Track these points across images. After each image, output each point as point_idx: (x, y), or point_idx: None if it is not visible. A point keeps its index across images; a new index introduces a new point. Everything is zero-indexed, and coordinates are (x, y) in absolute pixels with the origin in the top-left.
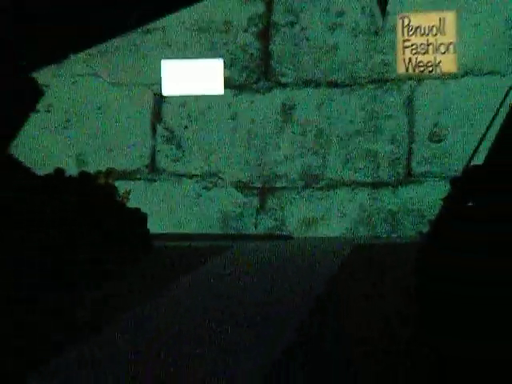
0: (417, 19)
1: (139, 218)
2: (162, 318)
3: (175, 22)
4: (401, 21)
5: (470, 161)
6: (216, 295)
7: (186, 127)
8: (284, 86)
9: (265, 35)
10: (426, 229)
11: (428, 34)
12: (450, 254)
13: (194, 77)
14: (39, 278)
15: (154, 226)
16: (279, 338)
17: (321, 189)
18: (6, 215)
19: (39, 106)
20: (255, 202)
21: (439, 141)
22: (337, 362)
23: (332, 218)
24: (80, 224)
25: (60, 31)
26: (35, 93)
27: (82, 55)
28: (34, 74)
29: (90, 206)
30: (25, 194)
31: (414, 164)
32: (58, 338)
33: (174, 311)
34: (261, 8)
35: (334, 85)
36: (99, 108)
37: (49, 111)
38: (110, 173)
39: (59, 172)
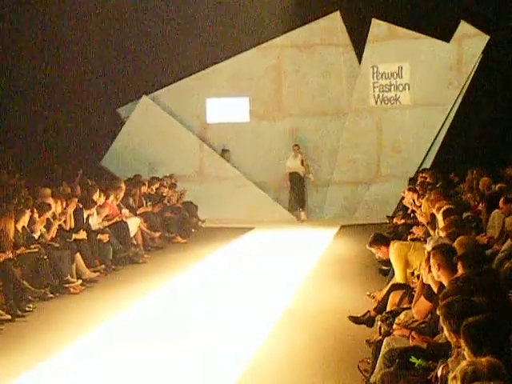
0: (383, 67)
1: (192, 207)
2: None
3: (215, 71)
4: (371, 69)
5: (420, 165)
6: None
7: (223, 148)
8: (291, 115)
9: (277, 80)
10: (390, 213)
11: (390, 78)
12: None
13: (228, 109)
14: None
15: (202, 213)
16: None
17: (317, 186)
18: None
19: (121, 132)
20: (272, 196)
21: (399, 151)
22: None
23: (325, 206)
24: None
25: (136, 79)
26: (119, 123)
27: (151, 96)
28: (118, 110)
29: (161, 197)
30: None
31: (381, 168)
32: None
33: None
34: (274, 61)
35: (325, 114)
36: (163, 132)
37: (129, 135)
38: (171, 176)
39: (137, 176)
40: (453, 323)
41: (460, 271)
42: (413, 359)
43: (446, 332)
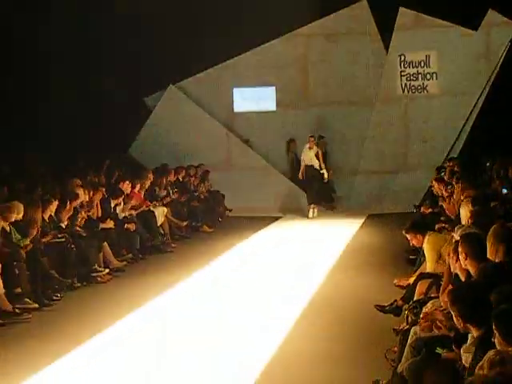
0: (410, 56)
1: (219, 196)
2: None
3: (242, 61)
4: (398, 57)
5: (448, 154)
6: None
7: (248, 139)
8: (318, 104)
9: (304, 69)
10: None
11: (418, 67)
12: None
13: (255, 99)
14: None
15: (228, 203)
16: None
17: (345, 175)
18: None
19: (148, 121)
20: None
21: (426, 140)
22: None
23: (352, 195)
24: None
25: (162, 69)
26: (146, 112)
27: (177, 85)
28: (145, 99)
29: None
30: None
31: (408, 157)
32: None
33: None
34: (301, 50)
35: (352, 103)
36: (190, 121)
37: (155, 125)
38: (199, 166)
39: (164, 166)
40: (461, 308)
41: (499, 257)
42: (438, 350)
43: (454, 318)
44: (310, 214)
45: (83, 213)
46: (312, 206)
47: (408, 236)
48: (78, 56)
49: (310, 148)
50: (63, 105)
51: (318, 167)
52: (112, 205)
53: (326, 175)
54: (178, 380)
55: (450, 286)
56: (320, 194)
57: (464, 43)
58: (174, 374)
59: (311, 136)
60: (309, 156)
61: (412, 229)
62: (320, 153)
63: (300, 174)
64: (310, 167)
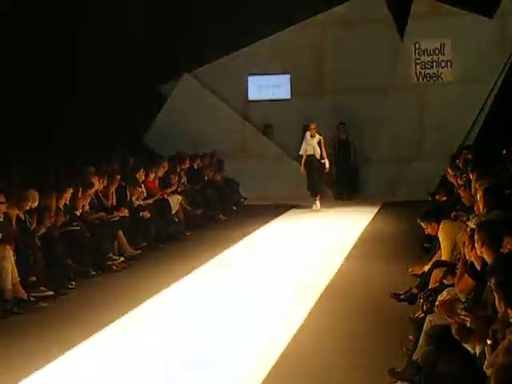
0: (425, 44)
1: (234, 184)
2: None
3: (257, 49)
4: (413, 45)
5: (463, 142)
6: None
7: (266, 124)
8: (333, 92)
9: (319, 57)
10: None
11: (433, 54)
12: None
13: (269, 87)
14: None
15: (243, 191)
16: None
17: (360, 163)
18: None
19: (163, 109)
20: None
21: (441, 129)
22: None
23: (367, 183)
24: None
25: (177, 57)
26: (160, 100)
27: (192, 73)
28: (160, 88)
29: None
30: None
31: (423, 145)
32: None
33: None
34: (316, 38)
35: (366, 91)
36: (205, 109)
37: (170, 113)
38: (214, 154)
39: (179, 153)
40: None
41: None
42: None
43: (497, 301)
44: (314, 207)
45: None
46: (316, 197)
47: (423, 224)
48: (92, 43)
49: (311, 136)
50: (76, 94)
51: (319, 157)
52: (128, 193)
53: (327, 165)
54: (193, 366)
55: (466, 275)
56: (315, 186)
57: (479, 31)
58: (188, 361)
59: (312, 123)
60: (311, 145)
61: (427, 217)
62: (322, 141)
63: (302, 165)
64: (311, 157)
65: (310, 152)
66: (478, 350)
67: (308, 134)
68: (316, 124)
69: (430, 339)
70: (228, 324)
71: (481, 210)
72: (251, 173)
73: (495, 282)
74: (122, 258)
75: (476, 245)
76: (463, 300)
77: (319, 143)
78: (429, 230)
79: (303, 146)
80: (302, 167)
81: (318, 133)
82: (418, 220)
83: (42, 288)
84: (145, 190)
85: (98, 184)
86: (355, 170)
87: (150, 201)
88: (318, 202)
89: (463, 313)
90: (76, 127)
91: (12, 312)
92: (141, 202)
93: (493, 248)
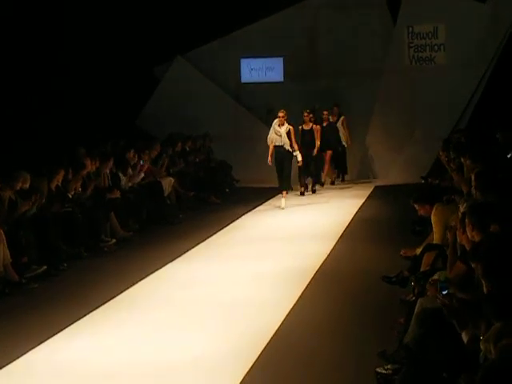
0: (418, 27)
1: (227, 167)
2: None
3: (250, 31)
4: (406, 29)
5: (455, 126)
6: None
7: (269, 108)
8: (326, 75)
9: (312, 40)
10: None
11: (426, 38)
12: None
13: (262, 69)
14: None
15: (236, 173)
16: None
17: (352, 147)
18: None
19: (156, 92)
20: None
21: (433, 112)
22: None
23: (359, 167)
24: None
25: (170, 39)
26: (152, 83)
27: (185, 56)
28: (154, 70)
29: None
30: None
31: (416, 129)
32: None
33: None
34: (309, 21)
35: (359, 74)
36: (197, 92)
37: (163, 95)
38: (206, 135)
39: (171, 135)
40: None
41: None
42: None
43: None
44: (282, 204)
45: (92, 184)
46: (283, 193)
47: (416, 206)
48: (86, 26)
49: (280, 125)
50: (70, 76)
51: (287, 148)
52: (120, 175)
53: (299, 158)
54: (183, 344)
55: (458, 261)
56: (288, 182)
57: (472, 15)
58: (178, 339)
59: (280, 111)
60: (279, 135)
61: (420, 198)
62: (292, 130)
63: (269, 156)
64: (279, 148)
65: (278, 143)
66: (464, 337)
67: (276, 121)
68: (285, 112)
69: (421, 322)
70: (217, 306)
71: (473, 194)
72: (244, 155)
73: (481, 267)
74: (114, 240)
75: (467, 228)
76: (442, 279)
77: (288, 133)
78: (422, 212)
79: (269, 136)
80: (269, 158)
81: (286, 121)
82: (412, 201)
83: (34, 266)
84: (137, 172)
85: (90, 165)
86: (343, 153)
87: (143, 183)
88: (283, 200)
89: (440, 296)
90: (68, 109)
91: (3, 293)
92: (133, 184)
93: (483, 231)
